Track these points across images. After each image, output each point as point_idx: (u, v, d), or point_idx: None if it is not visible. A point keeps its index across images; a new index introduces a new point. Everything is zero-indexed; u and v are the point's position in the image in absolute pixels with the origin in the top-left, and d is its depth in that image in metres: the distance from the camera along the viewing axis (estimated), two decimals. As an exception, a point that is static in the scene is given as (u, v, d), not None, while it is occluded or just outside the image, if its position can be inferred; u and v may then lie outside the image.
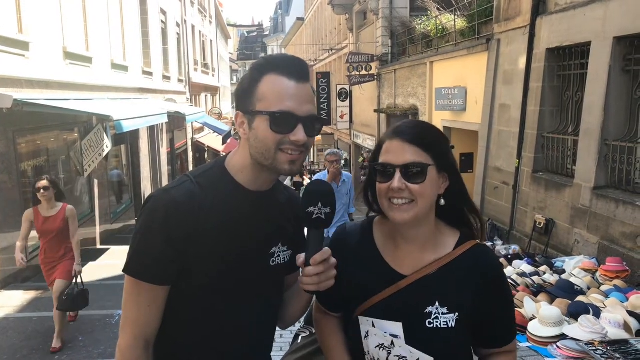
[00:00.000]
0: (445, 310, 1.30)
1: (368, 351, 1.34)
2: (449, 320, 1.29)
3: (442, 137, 1.36)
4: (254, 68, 1.32)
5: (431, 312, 1.30)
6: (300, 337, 1.60)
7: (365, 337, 1.35)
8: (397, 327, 1.30)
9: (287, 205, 1.46)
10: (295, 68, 1.28)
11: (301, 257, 1.28)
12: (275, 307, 1.47)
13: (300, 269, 1.29)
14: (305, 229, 1.35)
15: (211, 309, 1.31)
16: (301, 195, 1.31)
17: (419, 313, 1.30)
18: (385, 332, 1.31)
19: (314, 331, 1.56)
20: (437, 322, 1.29)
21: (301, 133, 1.25)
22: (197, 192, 1.27)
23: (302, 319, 1.66)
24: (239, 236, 1.31)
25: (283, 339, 4.15)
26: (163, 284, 1.27)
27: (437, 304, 1.30)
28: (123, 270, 1.28)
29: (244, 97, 1.30)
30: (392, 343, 1.29)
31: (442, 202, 1.35)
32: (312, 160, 31.33)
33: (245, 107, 1.29)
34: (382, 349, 1.31)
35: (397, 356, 1.29)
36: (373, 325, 1.33)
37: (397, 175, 1.27)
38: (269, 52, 58.45)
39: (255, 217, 1.34)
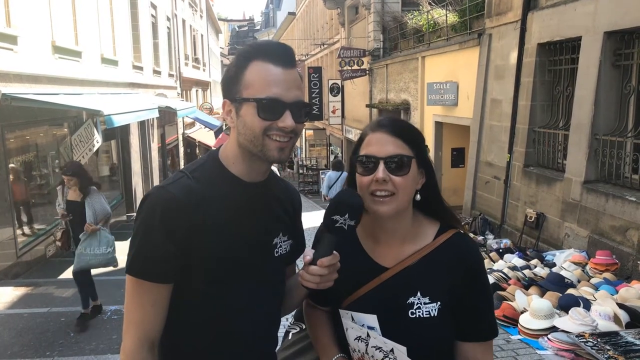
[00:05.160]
0: (427, 300, 1.32)
1: (349, 343, 1.37)
2: (432, 310, 1.31)
3: (420, 134, 1.40)
4: (239, 55, 1.30)
5: (413, 303, 1.32)
6: (290, 334, 1.61)
7: (346, 329, 1.37)
8: (372, 319, 1.32)
9: (283, 196, 1.45)
10: (281, 54, 1.27)
11: (308, 256, 1.27)
12: (280, 298, 1.46)
13: (301, 262, 1.29)
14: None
15: (218, 304, 1.30)
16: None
17: (401, 304, 1.32)
18: (363, 325, 1.33)
19: (304, 327, 1.57)
20: (419, 312, 1.31)
21: (289, 119, 1.24)
22: (194, 187, 1.26)
23: (292, 316, 1.66)
24: (239, 228, 1.30)
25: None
26: (167, 282, 1.26)
27: (418, 294, 1.32)
28: (126, 272, 1.26)
29: (230, 84, 1.29)
30: (368, 335, 1.32)
31: (418, 197, 1.37)
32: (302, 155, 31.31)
33: (231, 95, 1.28)
34: (360, 341, 1.33)
35: (374, 347, 1.31)
36: (352, 319, 1.35)
37: (381, 166, 1.28)
38: (260, 47, 57.82)
39: (253, 208, 1.33)
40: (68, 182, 5.26)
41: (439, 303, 1.31)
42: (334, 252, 1.26)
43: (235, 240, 1.29)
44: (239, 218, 1.30)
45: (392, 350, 1.28)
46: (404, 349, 1.27)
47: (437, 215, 1.41)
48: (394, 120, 1.36)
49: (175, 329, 1.31)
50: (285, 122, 1.24)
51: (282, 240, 1.41)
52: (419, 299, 1.32)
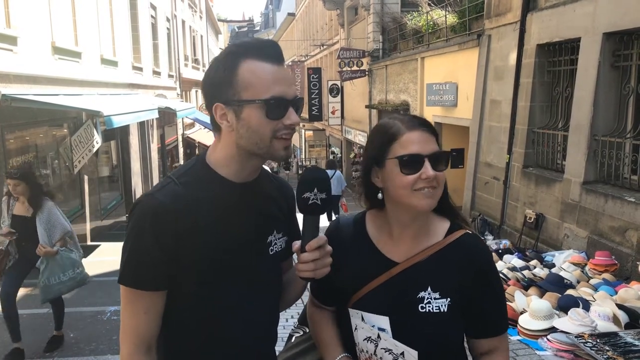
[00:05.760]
0: (437, 295, 1.33)
1: (358, 343, 1.37)
2: (441, 305, 1.32)
3: None
4: (228, 55, 1.26)
5: (423, 297, 1.33)
6: (294, 337, 1.60)
7: (355, 329, 1.38)
8: (384, 321, 1.33)
9: (276, 193, 1.45)
10: (272, 51, 1.26)
11: (297, 244, 1.28)
12: (276, 296, 1.46)
13: (296, 256, 1.29)
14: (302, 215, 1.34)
15: (209, 305, 1.30)
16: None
17: (411, 298, 1.33)
18: (373, 326, 1.33)
19: (307, 331, 1.57)
20: (429, 306, 1.32)
21: (294, 115, 1.25)
22: (181, 192, 1.26)
23: (292, 316, 1.66)
24: (231, 229, 1.30)
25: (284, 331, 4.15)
26: (159, 289, 1.26)
27: (429, 289, 1.33)
28: (118, 282, 1.26)
29: (221, 87, 1.25)
30: (379, 336, 1.32)
31: None
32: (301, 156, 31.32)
33: (226, 98, 1.25)
34: (369, 341, 1.34)
35: (384, 349, 1.32)
36: (362, 319, 1.36)
37: (428, 164, 1.30)
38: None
39: (244, 208, 1.33)
40: (14, 188, 4.30)
41: (449, 299, 1.33)
42: (321, 234, 1.27)
43: (225, 241, 1.29)
44: (228, 219, 1.29)
45: (402, 353, 1.28)
46: (415, 352, 1.27)
47: (445, 213, 1.43)
48: (423, 119, 1.40)
49: (168, 330, 1.31)
50: (291, 119, 1.25)
51: (277, 238, 1.41)
52: (429, 293, 1.33)
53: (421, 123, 1.36)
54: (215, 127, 1.32)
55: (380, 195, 1.39)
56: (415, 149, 1.31)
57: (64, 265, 4.42)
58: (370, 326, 1.34)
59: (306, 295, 1.58)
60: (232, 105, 1.25)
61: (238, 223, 1.31)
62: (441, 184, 1.33)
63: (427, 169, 1.29)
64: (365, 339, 1.34)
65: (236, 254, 1.30)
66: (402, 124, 1.35)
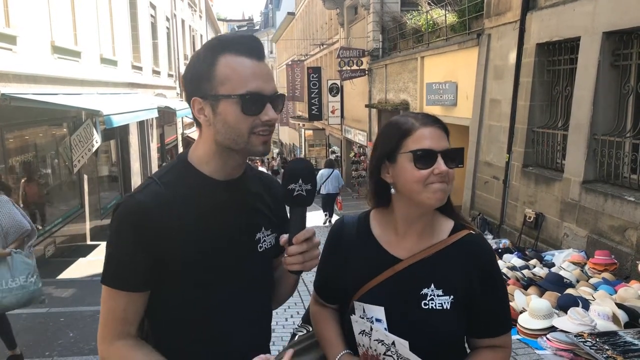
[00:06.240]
0: (440, 292, 1.34)
1: (355, 337, 1.38)
2: (444, 302, 1.33)
3: None
4: (207, 50, 1.25)
5: (427, 294, 1.34)
6: (297, 336, 1.61)
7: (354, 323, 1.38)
8: (380, 311, 1.34)
9: (263, 189, 1.43)
10: (252, 46, 1.25)
11: (284, 237, 1.27)
12: (268, 293, 1.45)
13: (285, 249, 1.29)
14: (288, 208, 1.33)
15: (196, 304, 1.29)
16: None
17: (415, 295, 1.34)
18: (371, 317, 1.35)
19: (310, 329, 1.58)
20: (432, 303, 1.33)
21: (271, 111, 1.24)
22: (162, 192, 1.25)
23: (290, 313, 1.66)
24: (215, 227, 1.29)
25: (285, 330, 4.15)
26: (140, 290, 1.26)
27: (432, 286, 1.34)
28: (101, 282, 1.27)
29: (199, 81, 1.24)
30: (371, 328, 1.32)
31: None
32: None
33: (203, 92, 1.23)
34: (364, 334, 1.34)
35: (376, 340, 1.32)
36: (363, 310, 1.37)
37: (440, 160, 1.31)
38: (260, 47, 58.10)
39: (229, 206, 1.31)
40: None
41: (452, 297, 1.33)
42: (308, 227, 1.26)
43: (209, 239, 1.28)
44: (211, 217, 1.29)
45: (393, 343, 1.29)
46: (405, 342, 1.28)
47: (447, 213, 1.44)
48: (436, 116, 1.42)
49: (158, 329, 1.31)
50: (269, 115, 1.23)
51: (266, 235, 1.40)
52: (432, 290, 1.34)
53: (434, 120, 1.38)
54: (196, 122, 1.31)
55: (392, 190, 1.40)
56: (429, 144, 1.32)
57: (14, 269, 3.81)
58: (368, 318, 1.35)
59: (307, 295, 1.58)
60: (209, 100, 1.24)
61: (223, 221, 1.30)
62: (452, 181, 1.34)
63: (440, 164, 1.30)
64: (360, 333, 1.35)
65: (222, 252, 1.29)
66: (415, 120, 1.36)
